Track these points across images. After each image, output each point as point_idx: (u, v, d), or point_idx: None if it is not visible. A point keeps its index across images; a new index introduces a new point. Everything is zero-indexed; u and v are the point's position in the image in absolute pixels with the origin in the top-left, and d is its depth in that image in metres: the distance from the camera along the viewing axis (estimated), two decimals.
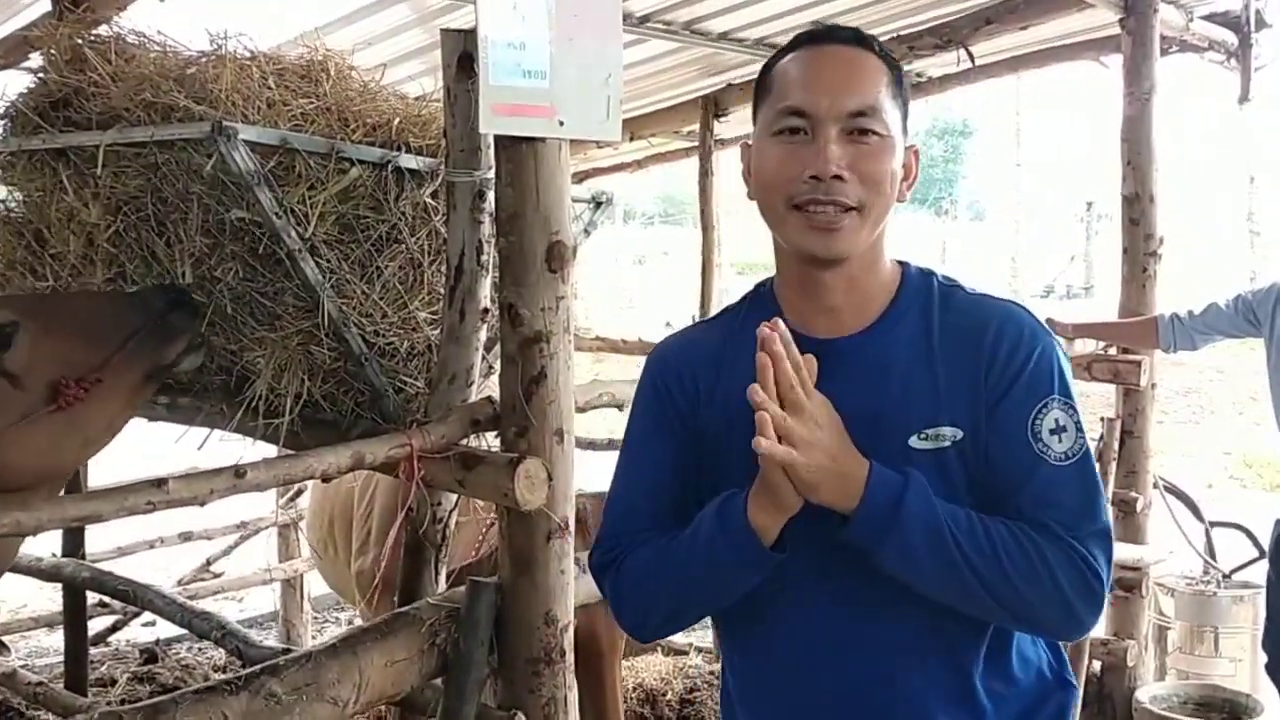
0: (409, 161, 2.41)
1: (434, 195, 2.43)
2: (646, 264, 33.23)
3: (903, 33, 4.93)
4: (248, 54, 2.57)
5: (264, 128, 2.31)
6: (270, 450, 2.80)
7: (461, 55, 2.24)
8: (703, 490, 1.60)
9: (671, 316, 21.12)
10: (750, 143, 1.61)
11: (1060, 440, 1.48)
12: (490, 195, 2.29)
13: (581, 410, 2.55)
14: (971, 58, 4.82)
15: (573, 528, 2.31)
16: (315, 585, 5.92)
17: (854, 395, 1.48)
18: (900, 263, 1.62)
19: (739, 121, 6.53)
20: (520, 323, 2.20)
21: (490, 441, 2.45)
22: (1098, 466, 1.59)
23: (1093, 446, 2.03)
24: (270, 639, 6.34)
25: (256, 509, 6.32)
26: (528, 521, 2.24)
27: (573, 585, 2.33)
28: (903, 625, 1.53)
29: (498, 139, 2.19)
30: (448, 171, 2.31)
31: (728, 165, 6.05)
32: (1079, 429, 1.49)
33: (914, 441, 1.49)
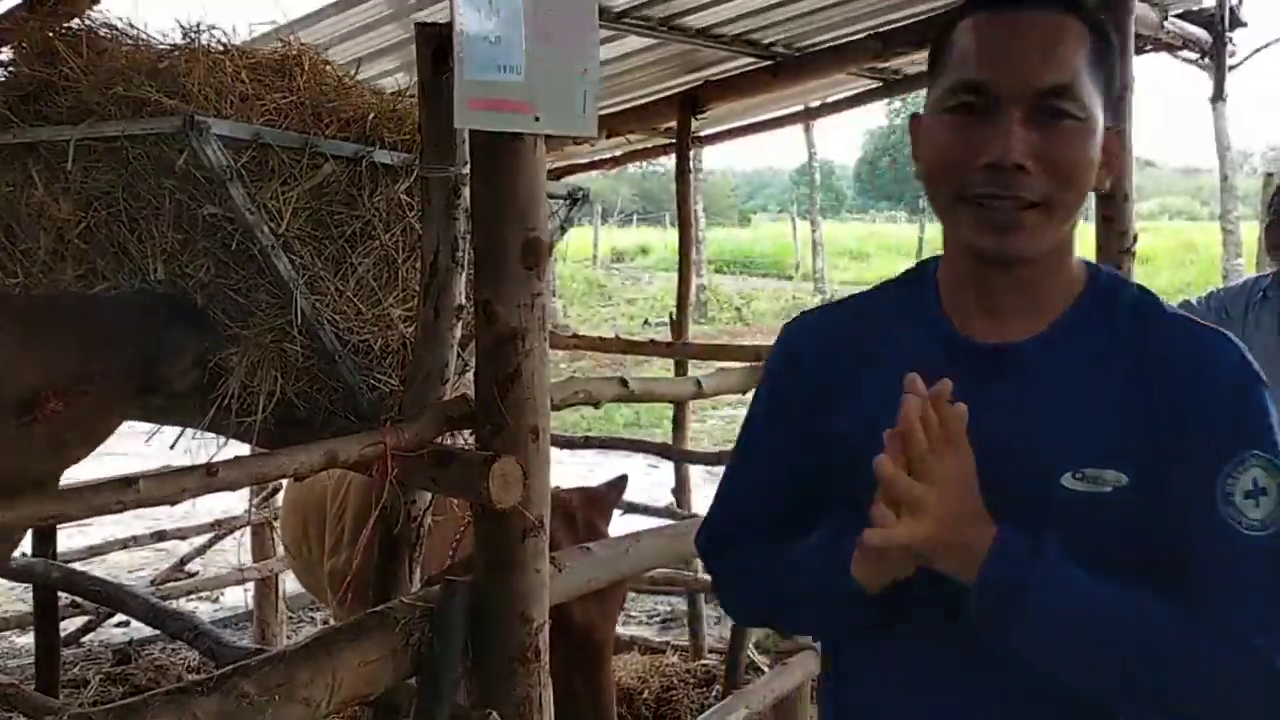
0: (383, 157, 2.39)
1: (409, 191, 2.42)
2: (625, 261, 33.26)
3: (880, 30, 4.92)
4: (221, 48, 2.55)
5: (237, 122, 2.29)
6: (243, 448, 2.77)
7: (436, 50, 2.22)
8: (832, 489, 1.41)
9: (650, 314, 21.21)
10: (920, 115, 1.37)
11: (1258, 506, 1.20)
12: (465, 191, 2.28)
13: (557, 408, 2.54)
14: None
15: (548, 525, 2.29)
16: (290, 584, 5.89)
17: (1005, 414, 1.27)
18: (1089, 264, 1.38)
19: (717, 119, 6.54)
20: (495, 320, 2.18)
21: (466, 439, 2.43)
22: None
23: None
24: (245, 639, 6.30)
25: (231, 507, 6.28)
26: (503, 520, 2.22)
27: (548, 584, 2.32)
28: (1032, 696, 1.28)
29: (473, 134, 2.17)
30: (422, 167, 2.29)
31: (706, 163, 6.03)
32: None
33: (1067, 480, 1.24)
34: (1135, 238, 4.41)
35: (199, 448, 2.84)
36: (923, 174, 1.33)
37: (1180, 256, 24.39)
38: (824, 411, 1.41)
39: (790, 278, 28.84)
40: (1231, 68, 13.71)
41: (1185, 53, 4.89)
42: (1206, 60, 4.92)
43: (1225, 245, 11.17)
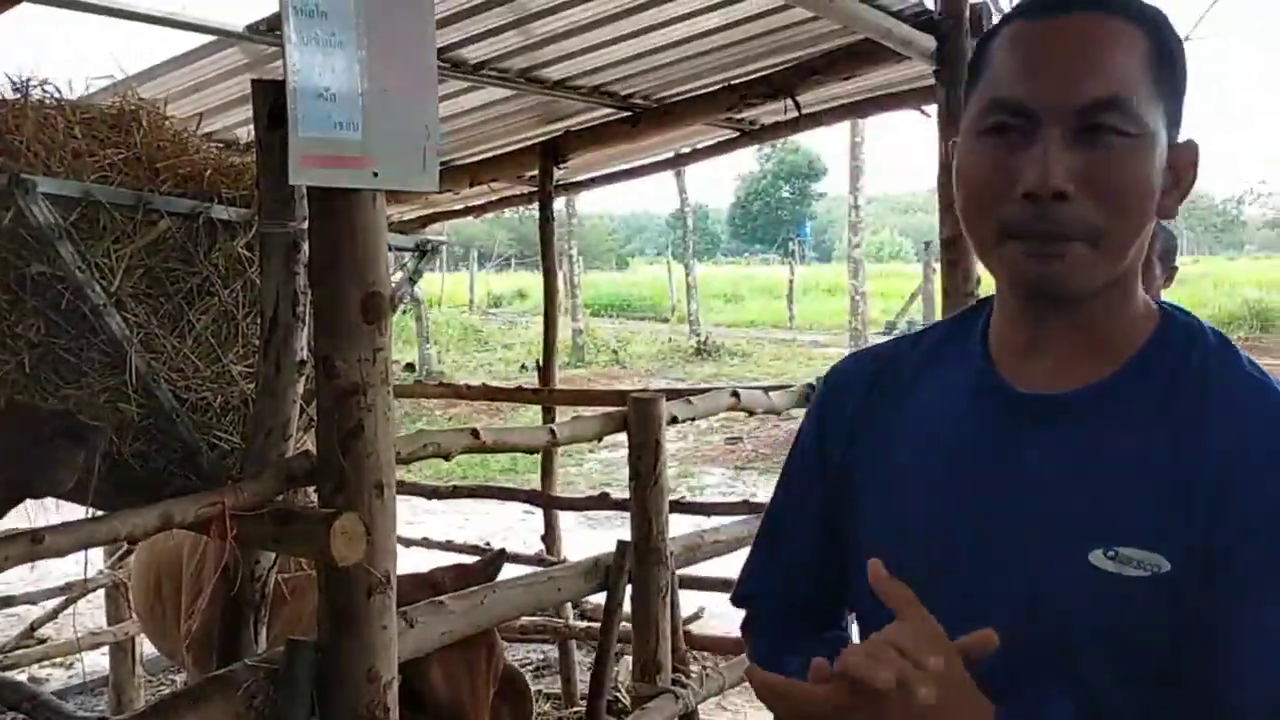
0: (221, 213, 2.36)
1: (248, 246, 2.39)
2: (502, 306, 33.16)
3: (734, 82, 5.05)
4: (53, 103, 2.50)
5: (66, 180, 2.25)
6: (79, 511, 2.69)
7: (273, 106, 2.21)
8: (848, 549, 1.27)
9: (527, 359, 21.15)
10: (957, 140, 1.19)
11: None
12: (305, 246, 2.26)
13: (405, 461, 2.52)
14: (798, 107, 4.96)
15: (394, 583, 2.27)
16: (149, 647, 5.69)
17: (1038, 474, 1.11)
18: (1164, 307, 1.19)
19: (586, 166, 6.61)
20: (336, 375, 2.17)
21: (312, 497, 2.40)
22: None
23: None
24: (101, 705, 6.06)
25: (84, 570, 6.04)
26: (347, 578, 2.20)
27: (396, 641, 2.29)
28: None
29: (311, 189, 2.16)
30: (261, 223, 2.28)
31: (586, 209, 6.08)
32: None
33: (1095, 557, 1.06)
34: (979, 281, 4.59)
35: (37, 509, 2.74)
36: (958, 204, 1.17)
37: None
38: (860, 455, 1.28)
39: (667, 320, 29.09)
40: None
41: None
42: None
43: None
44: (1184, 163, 1.13)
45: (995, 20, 4.25)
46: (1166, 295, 4.10)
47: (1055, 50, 1.08)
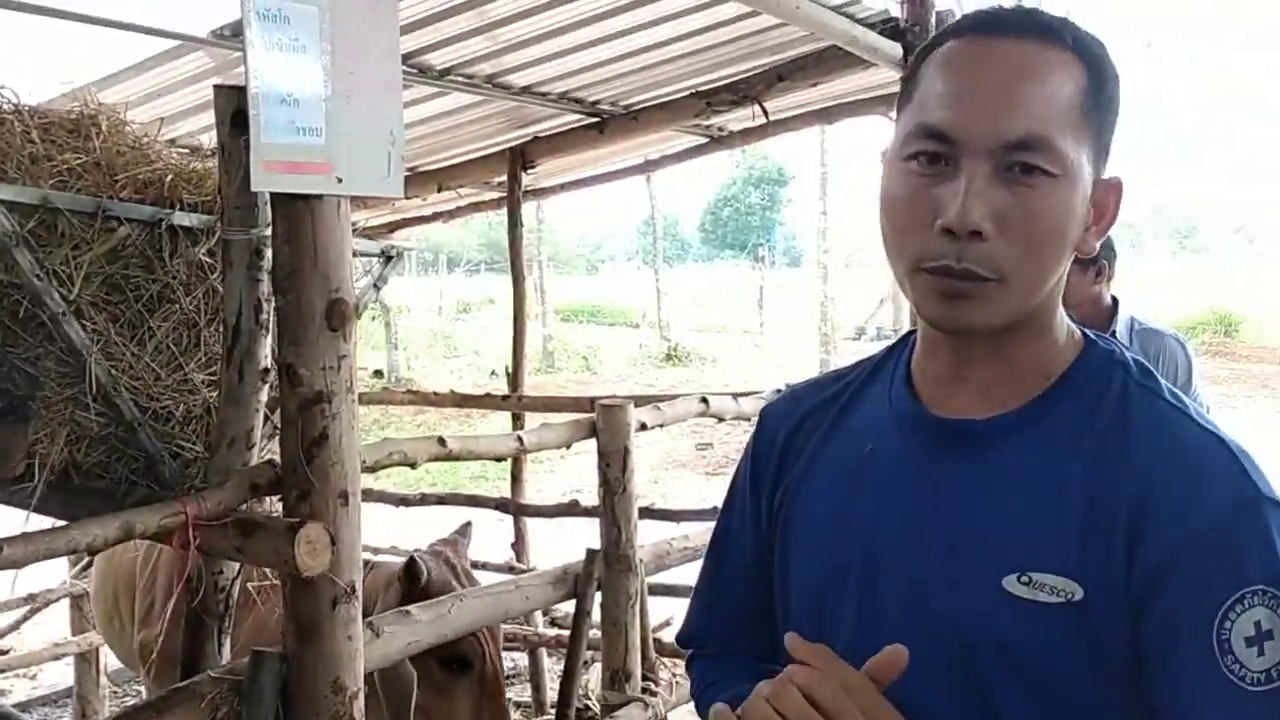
0: (182, 219, 2.34)
1: (210, 253, 2.37)
2: (472, 312, 33.07)
3: (701, 89, 5.06)
4: (10, 107, 2.46)
5: (23, 186, 2.21)
6: (43, 522, 2.65)
7: (235, 112, 2.19)
8: (784, 585, 1.27)
9: (497, 366, 21.08)
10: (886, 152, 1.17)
11: (1262, 654, 0.97)
12: (268, 253, 2.24)
13: (370, 470, 2.51)
14: (765, 113, 4.98)
15: (360, 592, 2.26)
16: (113, 658, 5.62)
17: (955, 499, 1.11)
18: (1089, 337, 1.19)
19: (555, 171, 6.61)
20: (300, 383, 2.15)
21: (277, 506, 2.38)
22: None
23: None
24: (65, 717, 5.98)
25: (47, 580, 5.97)
26: (312, 588, 2.18)
27: (362, 651, 2.27)
28: None
29: (274, 196, 2.14)
30: (223, 229, 2.25)
31: (556, 214, 6.07)
32: None
33: (1010, 584, 1.05)
34: None
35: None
36: (880, 223, 1.14)
37: None
38: (789, 492, 1.27)
39: (637, 326, 29.11)
40: None
41: None
42: None
43: None
44: (1107, 199, 1.13)
45: None
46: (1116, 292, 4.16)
47: (988, 79, 1.05)
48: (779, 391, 4.26)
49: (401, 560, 3.10)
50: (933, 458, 1.14)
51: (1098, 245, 1.14)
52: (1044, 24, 1.08)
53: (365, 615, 2.91)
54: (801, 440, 1.28)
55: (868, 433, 1.22)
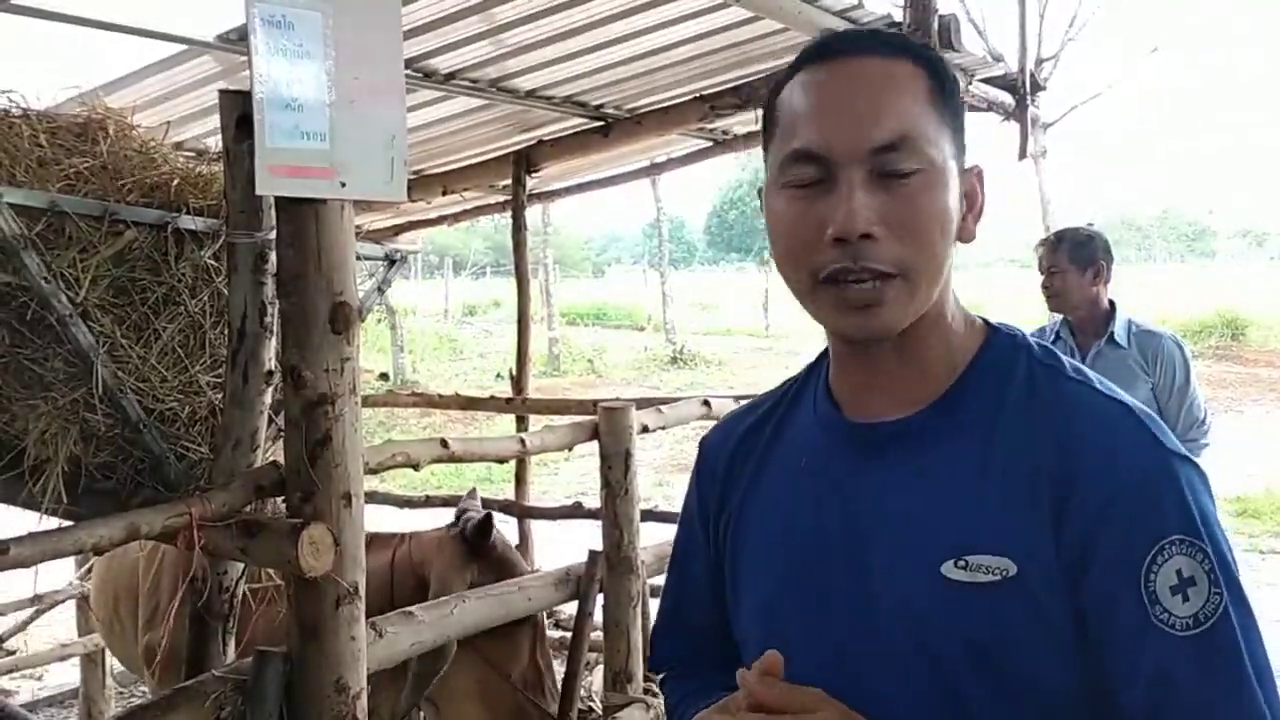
0: (188, 223, 2.36)
1: (215, 256, 2.39)
2: (477, 315, 33.10)
3: (704, 93, 5.08)
4: (18, 111, 2.49)
5: (32, 190, 2.24)
6: (50, 522, 2.68)
7: (240, 117, 2.21)
8: (735, 604, 1.32)
9: (502, 369, 21.11)
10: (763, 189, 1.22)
11: (1186, 599, 1.02)
12: (273, 256, 2.26)
13: (373, 471, 2.53)
14: None
15: (363, 590, 2.27)
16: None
17: (886, 498, 1.15)
18: (990, 326, 1.24)
19: (560, 174, 6.63)
20: (303, 385, 2.17)
21: (281, 507, 2.40)
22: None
23: None
24: (71, 717, 6.00)
25: (53, 580, 6.00)
26: (315, 588, 2.20)
27: (365, 651, 2.29)
28: None
29: (278, 200, 2.16)
30: (228, 233, 2.28)
31: (563, 217, 6.09)
32: (1217, 579, 1.03)
33: (948, 569, 1.09)
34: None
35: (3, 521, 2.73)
36: (774, 256, 1.19)
37: (1012, 304, 25.48)
38: (732, 517, 1.32)
39: (643, 329, 29.10)
40: (1048, 125, 14.48)
41: (990, 114, 5.16)
42: (1010, 121, 5.21)
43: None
44: (974, 184, 1.19)
45: (963, 33, 4.31)
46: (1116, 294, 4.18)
47: (843, 96, 1.12)
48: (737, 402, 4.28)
49: (434, 528, 3.29)
50: (860, 462, 1.18)
51: (976, 230, 1.19)
52: (883, 40, 1.16)
53: (420, 581, 3.12)
54: (739, 464, 1.33)
55: (800, 449, 1.26)
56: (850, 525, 1.17)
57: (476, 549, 3.18)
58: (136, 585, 3.55)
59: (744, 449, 1.34)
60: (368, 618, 2.68)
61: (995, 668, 1.07)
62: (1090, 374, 1.17)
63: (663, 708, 3.43)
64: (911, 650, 1.10)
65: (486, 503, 6.22)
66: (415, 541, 3.29)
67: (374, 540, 3.24)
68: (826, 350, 1.30)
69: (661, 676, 1.48)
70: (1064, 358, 1.19)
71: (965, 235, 1.17)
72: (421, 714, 3.17)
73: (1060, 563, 1.06)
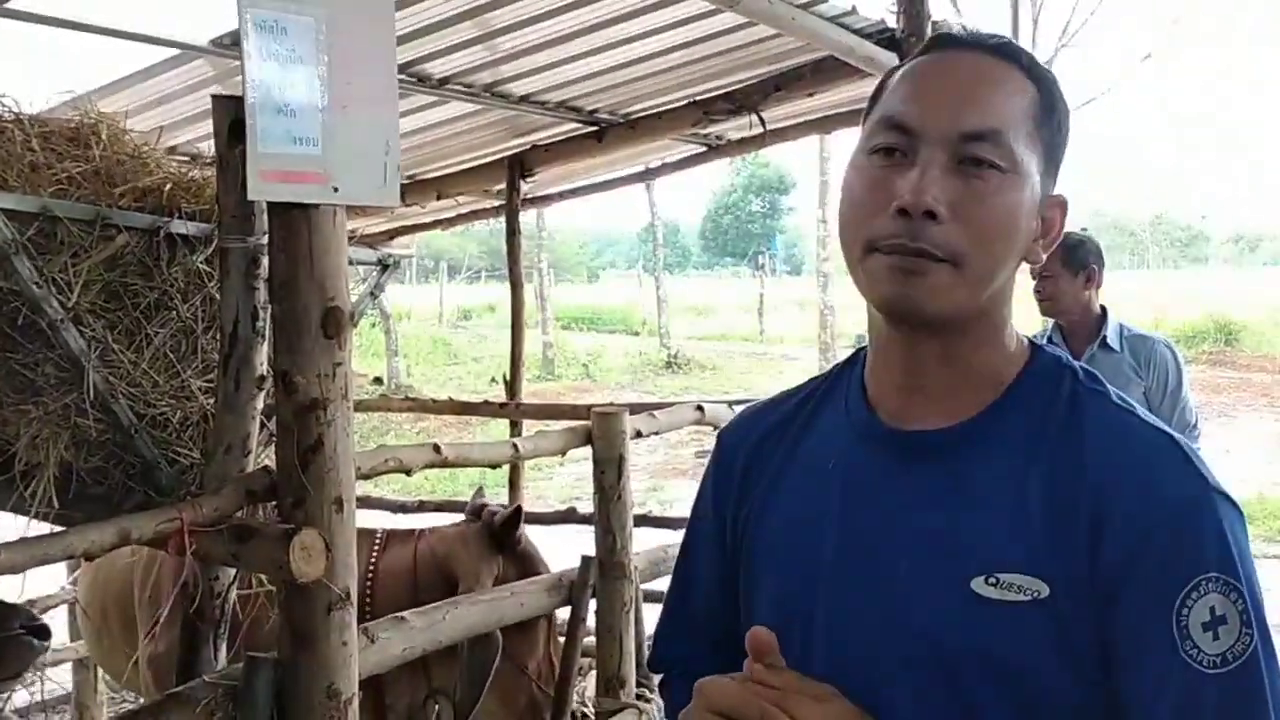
0: (180, 227, 2.36)
1: (208, 261, 2.39)
2: (472, 319, 33.10)
3: (698, 98, 5.09)
4: (10, 115, 2.49)
5: (23, 195, 2.23)
6: (40, 527, 2.67)
7: (233, 121, 2.21)
8: (749, 604, 1.29)
9: (496, 373, 21.12)
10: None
11: (1217, 638, 1.02)
12: (265, 261, 2.26)
13: (365, 476, 2.52)
14: (763, 122, 5.00)
15: (355, 596, 2.27)
16: None
17: (919, 509, 1.13)
18: (1035, 345, 1.22)
19: (554, 179, 6.63)
20: (295, 390, 2.16)
21: (272, 513, 2.39)
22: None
23: None
24: None
25: (44, 586, 5.98)
26: (307, 594, 2.19)
27: (357, 657, 2.29)
28: None
29: (271, 205, 2.16)
30: (221, 238, 2.27)
31: (557, 222, 6.09)
32: (1249, 620, 1.03)
33: (978, 585, 1.07)
34: None
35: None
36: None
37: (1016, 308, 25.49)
38: (752, 512, 1.29)
39: (637, 334, 29.11)
40: None
41: None
42: None
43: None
44: (1054, 215, 1.18)
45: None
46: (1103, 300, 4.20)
47: (946, 80, 1.13)
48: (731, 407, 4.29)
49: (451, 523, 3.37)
50: (894, 469, 1.16)
51: (1044, 257, 1.18)
52: (1002, 44, 1.16)
53: (447, 576, 3.16)
54: (763, 460, 1.30)
55: (828, 449, 1.24)
56: (878, 532, 1.15)
57: (503, 542, 3.23)
58: (128, 595, 3.53)
59: (767, 446, 1.31)
60: (392, 613, 2.73)
61: (1016, 686, 1.06)
62: (1134, 403, 1.16)
63: (655, 713, 3.43)
64: (931, 662, 1.09)
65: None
66: (436, 536, 3.31)
67: (391, 536, 3.29)
68: (860, 351, 1.29)
69: (660, 678, 1.47)
70: (1108, 384, 1.18)
71: (1032, 255, 1.16)
72: (437, 707, 3.19)
73: (1093, 589, 1.05)
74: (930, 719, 1.09)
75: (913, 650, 1.10)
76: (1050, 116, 1.14)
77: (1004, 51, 1.15)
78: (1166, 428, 1.13)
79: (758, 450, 1.32)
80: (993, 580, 1.07)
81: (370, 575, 3.15)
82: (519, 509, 3.27)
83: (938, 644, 1.09)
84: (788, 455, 1.28)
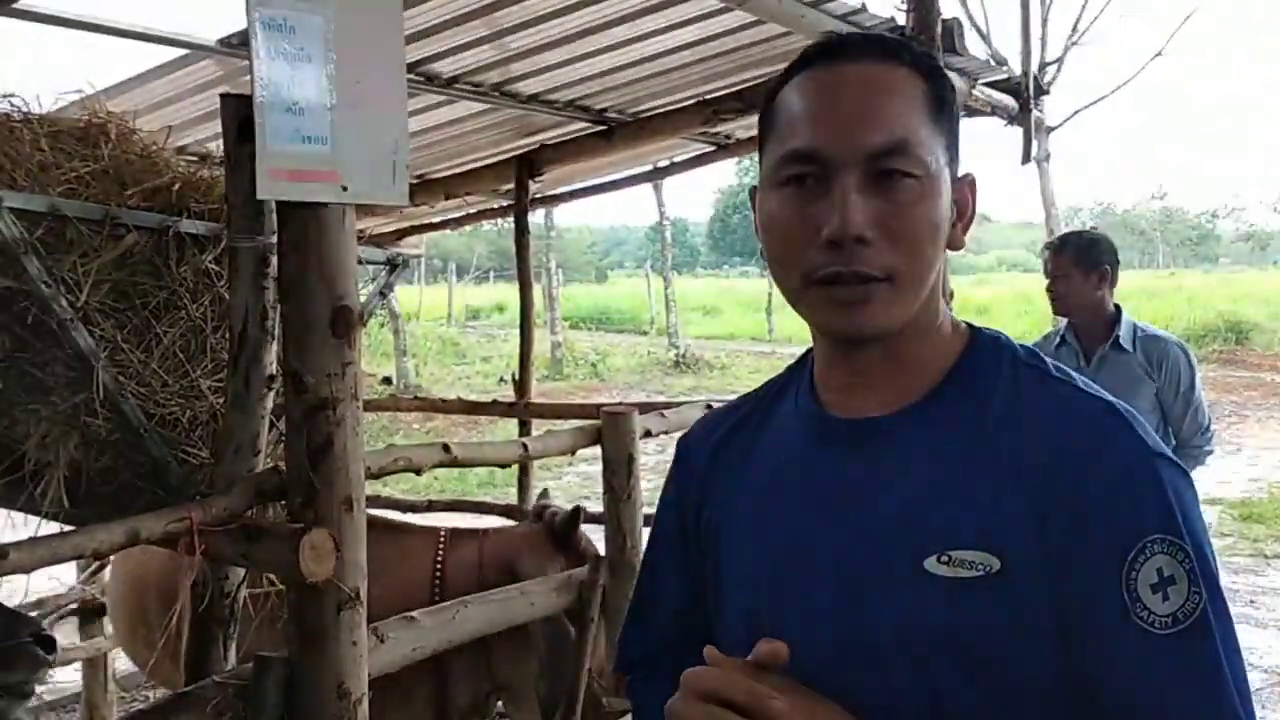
0: (190, 227, 2.35)
1: (216, 261, 2.38)
2: (481, 319, 33.12)
3: (707, 97, 5.08)
4: (19, 115, 2.49)
5: (33, 194, 2.23)
6: (50, 527, 2.67)
7: (242, 120, 2.20)
8: (716, 603, 1.32)
9: (505, 372, 21.11)
10: (757, 188, 1.24)
11: (1166, 599, 1.03)
12: (274, 260, 2.26)
13: (375, 476, 2.52)
14: None
15: (365, 595, 2.27)
16: (121, 664, 5.63)
17: (870, 494, 1.15)
18: (972, 328, 1.25)
19: (563, 179, 6.63)
20: (305, 390, 2.16)
21: (282, 512, 2.39)
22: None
23: None
24: None
25: (46, 585, 5.99)
26: (317, 593, 2.19)
27: (366, 656, 2.28)
28: None
29: (280, 204, 2.16)
30: (230, 237, 2.27)
31: (566, 221, 6.09)
32: (1196, 579, 1.04)
33: (931, 564, 1.09)
34: (952, 295, 4.62)
35: (4, 526, 2.72)
36: (766, 256, 1.21)
37: (1017, 307, 25.45)
38: (713, 514, 1.32)
39: (646, 333, 29.08)
40: (1052, 129, 14.40)
41: (994, 118, 5.15)
42: (1013, 125, 5.19)
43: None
44: (965, 193, 1.20)
45: (966, 37, 4.30)
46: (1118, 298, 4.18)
47: (842, 99, 1.13)
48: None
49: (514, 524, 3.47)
50: (843, 458, 1.19)
51: (966, 239, 1.21)
52: (883, 45, 1.17)
53: (514, 576, 3.25)
54: (722, 463, 1.33)
55: (782, 445, 1.27)
56: (834, 522, 1.17)
57: (564, 542, 3.36)
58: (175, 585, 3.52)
59: (726, 447, 1.34)
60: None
61: (978, 664, 1.08)
62: (1074, 374, 1.18)
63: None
64: (897, 647, 1.10)
65: (488, 507, 6.23)
66: (502, 537, 3.47)
67: (453, 535, 3.41)
68: (810, 350, 1.31)
69: (628, 681, 1.47)
70: (1046, 358, 1.21)
71: (954, 243, 1.19)
72: (499, 702, 3.36)
73: (1044, 560, 1.06)
74: (900, 704, 1.10)
75: (876, 636, 1.12)
76: (943, 103, 1.16)
77: (888, 51, 1.16)
78: (1107, 396, 1.15)
79: (716, 455, 1.35)
80: (944, 558, 1.09)
81: (439, 573, 3.27)
82: (578, 509, 3.38)
83: (900, 628, 1.10)
84: (744, 455, 1.31)
